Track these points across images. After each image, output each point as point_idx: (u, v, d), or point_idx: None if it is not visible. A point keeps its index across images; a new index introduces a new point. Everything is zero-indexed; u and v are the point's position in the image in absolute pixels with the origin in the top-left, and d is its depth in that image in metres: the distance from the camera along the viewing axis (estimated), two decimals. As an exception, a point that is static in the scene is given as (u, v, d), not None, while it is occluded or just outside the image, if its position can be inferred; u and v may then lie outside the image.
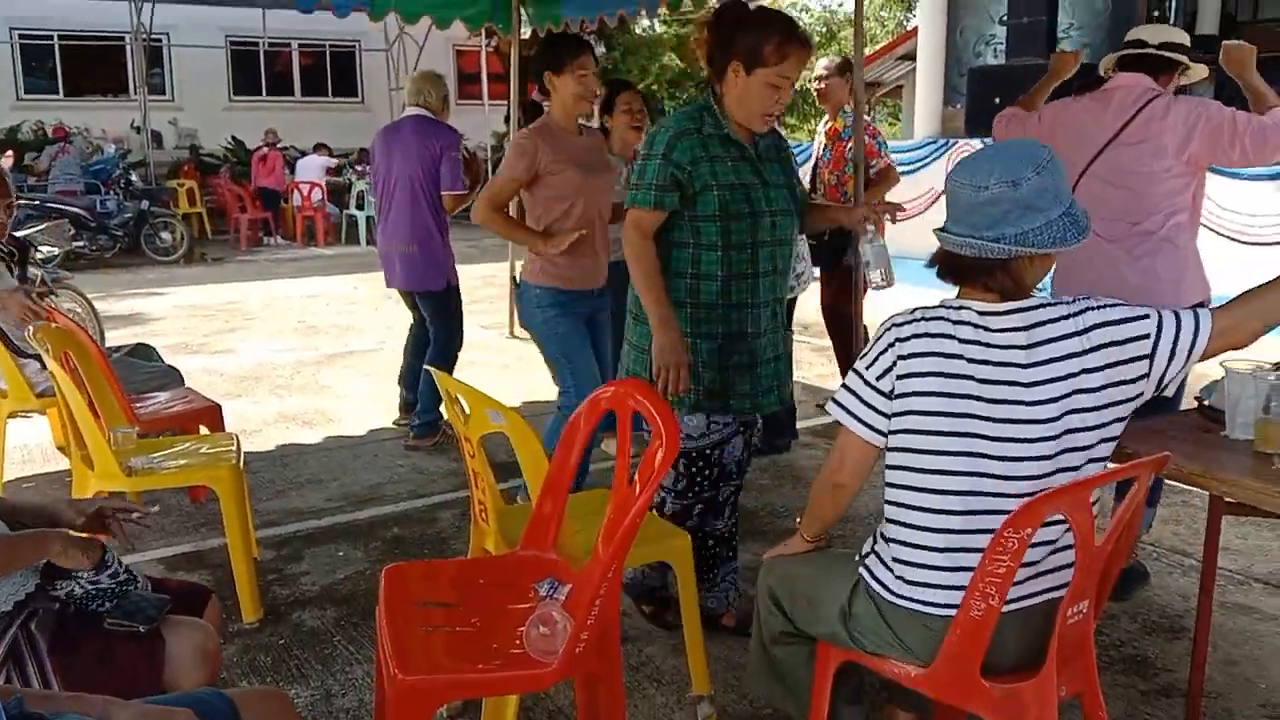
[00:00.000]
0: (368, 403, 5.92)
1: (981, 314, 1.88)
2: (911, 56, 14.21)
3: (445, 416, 5.18)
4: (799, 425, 5.14)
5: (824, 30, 24.54)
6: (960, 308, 1.91)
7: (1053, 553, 1.87)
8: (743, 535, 3.92)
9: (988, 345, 1.86)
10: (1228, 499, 2.26)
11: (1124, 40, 3.38)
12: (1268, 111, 3.08)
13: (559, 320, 3.73)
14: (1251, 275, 2.12)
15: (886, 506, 1.97)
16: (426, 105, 5.05)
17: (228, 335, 8.29)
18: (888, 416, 1.94)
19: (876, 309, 6.03)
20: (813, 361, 6.75)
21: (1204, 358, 1.92)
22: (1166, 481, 2.23)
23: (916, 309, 1.96)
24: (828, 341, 5.62)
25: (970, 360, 1.86)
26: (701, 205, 2.74)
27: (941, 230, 1.93)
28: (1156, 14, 10.69)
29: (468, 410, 2.58)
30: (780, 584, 2.19)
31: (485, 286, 9.58)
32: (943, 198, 2.04)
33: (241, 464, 3.41)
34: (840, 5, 24.77)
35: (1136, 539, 3.23)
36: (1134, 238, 3.17)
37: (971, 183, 1.86)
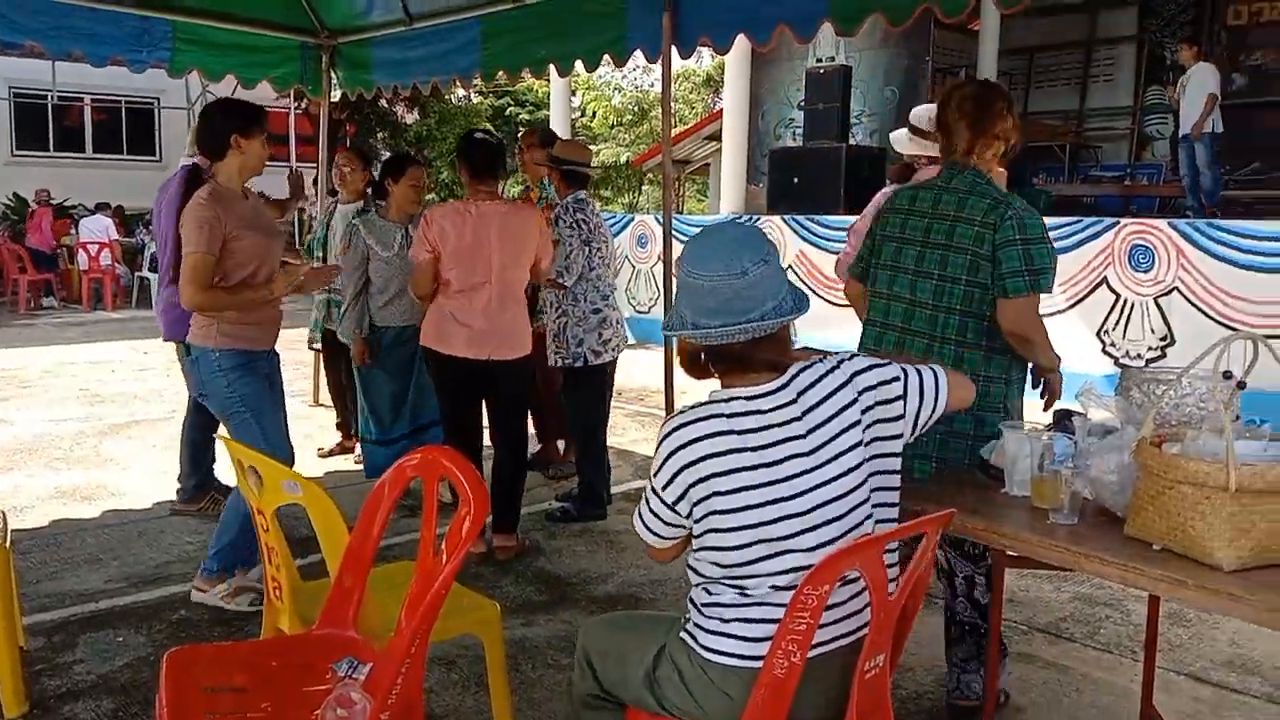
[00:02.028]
0: (155, 475, 5.54)
1: (750, 399, 1.93)
2: (717, 137, 14.79)
3: (220, 481, 4.94)
4: (614, 490, 5.15)
5: (635, 110, 25.23)
6: (730, 399, 1.95)
7: (853, 596, 1.93)
8: (555, 603, 3.89)
9: (766, 428, 1.91)
10: (1009, 552, 2.39)
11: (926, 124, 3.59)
12: None
13: (244, 381, 3.58)
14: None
15: (696, 589, 2.00)
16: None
17: (0, 405, 7.65)
18: (683, 518, 1.99)
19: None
20: (626, 426, 6.81)
21: (943, 411, 2.07)
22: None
23: (686, 410, 1.98)
24: (641, 407, 5.68)
25: (754, 449, 1.90)
26: None
27: (698, 330, 1.90)
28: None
29: (262, 480, 2.46)
30: (593, 643, 2.17)
31: (286, 350, 9.19)
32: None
33: (8, 543, 3.12)
34: (651, 86, 25.57)
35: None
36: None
37: (730, 271, 1.88)
